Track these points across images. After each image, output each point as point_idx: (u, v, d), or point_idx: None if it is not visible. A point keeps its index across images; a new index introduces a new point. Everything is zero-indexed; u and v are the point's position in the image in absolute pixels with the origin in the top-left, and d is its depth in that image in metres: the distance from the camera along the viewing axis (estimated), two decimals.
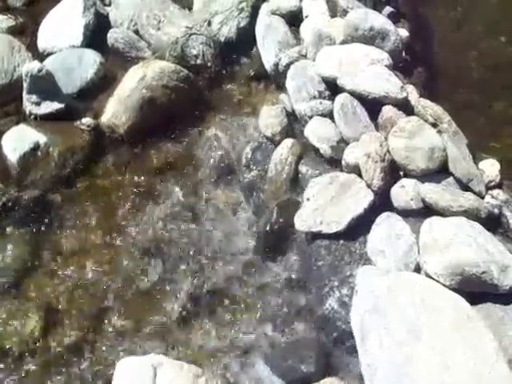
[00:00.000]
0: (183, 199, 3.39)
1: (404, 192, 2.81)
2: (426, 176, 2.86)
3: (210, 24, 3.92)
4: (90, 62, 3.86)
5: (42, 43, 4.06)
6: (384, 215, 2.79)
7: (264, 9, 3.87)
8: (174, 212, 3.33)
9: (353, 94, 3.13)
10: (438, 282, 2.48)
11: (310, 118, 3.24)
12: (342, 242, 2.80)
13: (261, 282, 3.01)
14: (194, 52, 3.84)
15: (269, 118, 3.37)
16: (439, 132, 2.97)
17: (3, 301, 2.99)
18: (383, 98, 3.08)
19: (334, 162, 3.08)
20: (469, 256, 2.46)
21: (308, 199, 2.91)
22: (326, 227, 2.81)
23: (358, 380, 2.52)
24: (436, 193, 2.76)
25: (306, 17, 3.74)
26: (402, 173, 2.91)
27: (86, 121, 3.61)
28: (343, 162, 3.00)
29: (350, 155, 2.96)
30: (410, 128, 2.92)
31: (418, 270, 2.60)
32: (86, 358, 2.79)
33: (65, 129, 3.59)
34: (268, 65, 3.70)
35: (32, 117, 3.64)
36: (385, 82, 3.11)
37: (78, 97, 3.76)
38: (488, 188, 2.88)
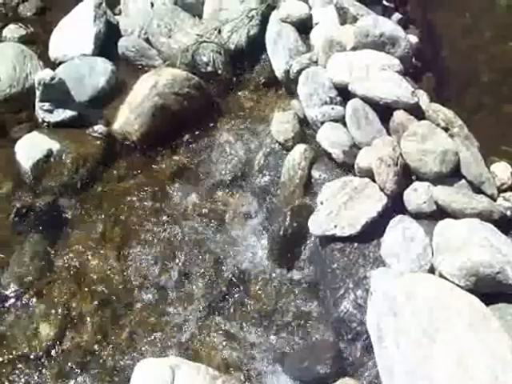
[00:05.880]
0: (196, 205, 3.41)
1: (417, 195, 2.84)
2: (438, 179, 2.88)
3: (220, 32, 3.95)
4: (101, 71, 3.91)
5: (54, 52, 4.12)
6: (397, 218, 2.81)
7: (274, 16, 3.91)
8: (186, 217, 3.36)
9: (364, 99, 3.16)
10: (452, 282, 2.49)
11: (322, 123, 3.26)
12: (356, 244, 2.81)
13: (276, 286, 3.04)
14: (205, 59, 3.88)
15: (281, 124, 3.39)
16: (451, 136, 2.99)
17: (19, 304, 3.02)
18: (394, 103, 3.10)
19: (347, 167, 3.11)
20: (483, 257, 2.48)
21: (322, 203, 2.94)
22: (340, 230, 2.82)
23: (374, 381, 2.54)
24: (449, 195, 2.78)
25: (316, 24, 3.78)
26: (414, 176, 2.94)
27: (98, 128, 3.65)
28: (356, 167, 3.02)
29: (362, 159, 2.99)
30: (422, 132, 2.95)
31: (432, 271, 2.61)
32: (105, 360, 2.81)
33: (77, 136, 3.63)
34: (278, 72, 3.73)
35: (45, 124, 3.69)
36: (396, 88, 3.13)
37: (89, 104, 3.81)
38: (500, 190, 2.90)
